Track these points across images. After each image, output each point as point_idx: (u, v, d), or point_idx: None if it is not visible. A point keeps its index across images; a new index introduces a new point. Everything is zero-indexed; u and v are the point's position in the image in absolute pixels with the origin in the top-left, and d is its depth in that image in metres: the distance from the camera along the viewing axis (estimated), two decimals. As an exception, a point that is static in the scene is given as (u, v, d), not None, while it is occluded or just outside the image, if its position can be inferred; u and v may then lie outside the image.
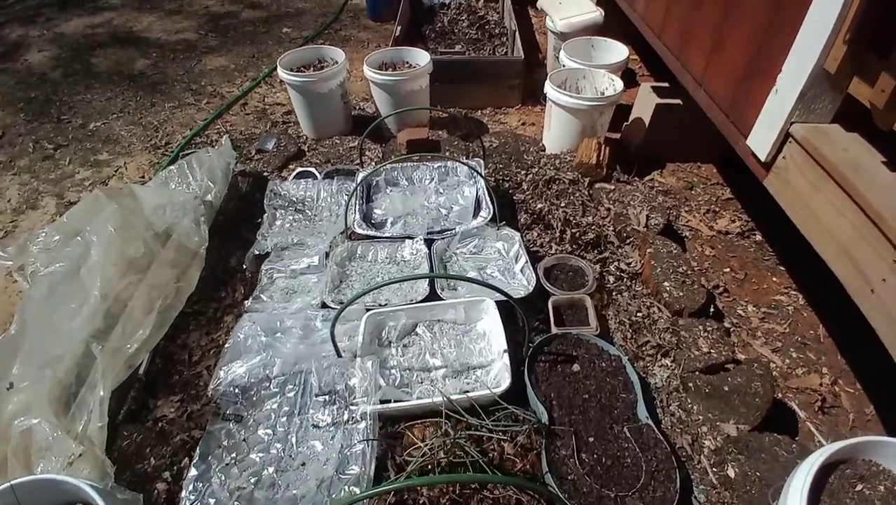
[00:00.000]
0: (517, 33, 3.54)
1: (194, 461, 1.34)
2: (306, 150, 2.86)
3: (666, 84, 2.77)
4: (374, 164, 2.67)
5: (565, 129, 2.68)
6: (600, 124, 2.67)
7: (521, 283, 1.86)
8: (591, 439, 1.40)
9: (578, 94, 2.60)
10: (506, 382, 1.47)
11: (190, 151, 3.00)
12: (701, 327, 1.76)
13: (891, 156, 1.30)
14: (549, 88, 2.62)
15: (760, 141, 1.58)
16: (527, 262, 1.89)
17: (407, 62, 3.11)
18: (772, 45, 1.54)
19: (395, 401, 1.47)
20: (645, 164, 2.78)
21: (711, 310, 1.94)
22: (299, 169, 2.53)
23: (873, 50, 1.21)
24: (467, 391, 1.51)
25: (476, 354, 1.66)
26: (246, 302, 1.87)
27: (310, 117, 3.00)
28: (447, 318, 1.75)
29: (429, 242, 2.00)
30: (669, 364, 1.69)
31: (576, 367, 1.59)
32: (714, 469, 1.41)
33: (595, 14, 3.34)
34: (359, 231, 2.06)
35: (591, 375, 1.56)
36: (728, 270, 2.26)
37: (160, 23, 4.69)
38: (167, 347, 1.76)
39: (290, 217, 2.23)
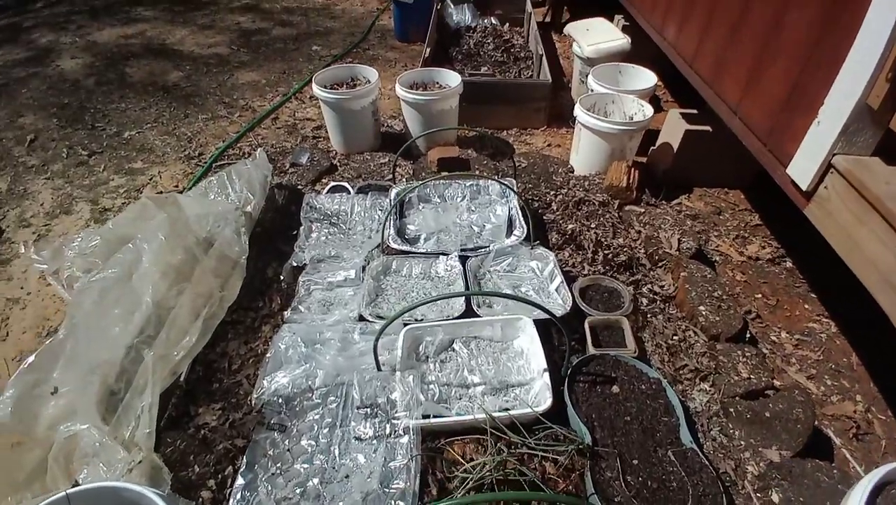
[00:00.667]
0: (543, 57, 3.61)
1: (241, 470, 1.35)
2: (338, 164, 2.91)
3: (694, 111, 2.82)
4: (405, 180, 2.71)
5: (594, 152, 2.72)
6: (629, 148, 2.71)
7: (557, 302, 1.88)
8: (634, 462, 1.39)
9: (608, 118, 2.64)
10: (547, 400, 1.48)
11: (223, 163, 3.09)
12: (739, 353, 1.76)
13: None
14: (578, 112, 2.67)
15: (802, 170, 1.61)
16: (562, 281, 1.90)
17: (437, 82, 3.18)
18: (813, 79, 1.58)
19: (436, 416, 1.48)
20: (672, 189, 2.81)
21: (747, 336, 1.94)
22: (332, 183, 2.58)
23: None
24: (507, 409, 1.52)
25: (514, 371, 1.66)
26: (284, 312, 1.90)
27: (341, 133, 3.06)
28: (484, 335, 1.77)
29: (462, 259, 2.03)
30: (708, 389, 1.69)
31: (615, 388, 1.59)
32: (758, 494, 1.40)
33: (622, 41, 3.42)
34: (393, 246, 2.09)
35: (631, 398, 1.57)
36: (760, 295, 2.26)
37: (193, 37, 4.82)
38: (207, 354, 1.78)
39: (326, 230, 2.27)
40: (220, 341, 1.84)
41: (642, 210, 2.50)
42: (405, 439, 1.41)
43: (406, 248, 2.08)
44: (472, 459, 1.45)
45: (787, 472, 1.41)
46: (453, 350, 1.74)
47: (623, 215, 2.47)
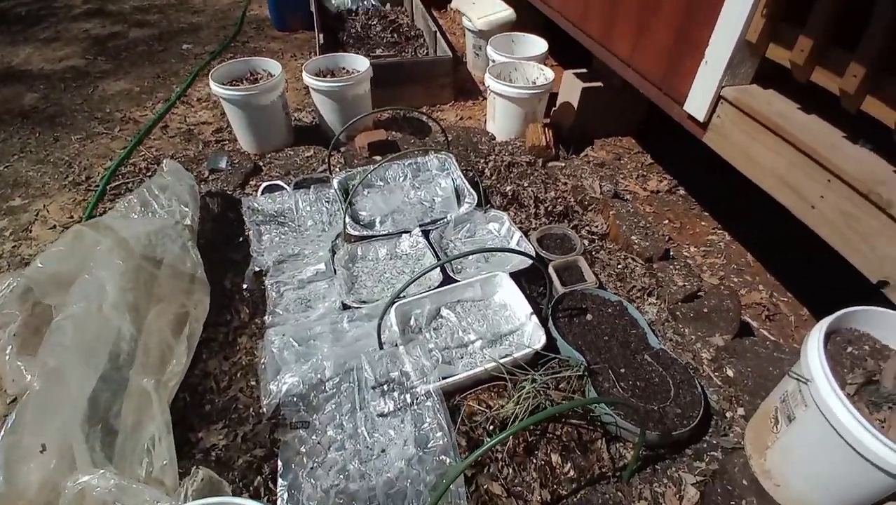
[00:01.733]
0: (437, 34, 3.73)
1: (280, 472, 1.34)
2: (262, 165, 2.78)
3: (584, 70, 3.14)
4: (338, 169, 2.69)
5: (510, 118, 2.92)
6: (539, 110, 2.95)
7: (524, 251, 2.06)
8: (622, 371, 1.63)
9: (516, 84, 2.85)
10: (542, 338, 1.65)
11: (118, 183, 2.78)
12: (671, 267, 2.09)
13: (802, 104, 1.70)
14: (490, 81, 2.85)
15: (697, 105, 1.93)
16: (521, 236, 2.08)
17: (343, 68, 3.15)
18: (696, 25, 1.89)
19: (446, 377, 1.57)
20: (577, 143, 3.13)
21: (671, 254, 2.29)
22: (266, 183, 2.48)
23: (785, 20, 1.58)
24: (506, 355, 1.67)
25: (503, 322, 1.81)
26: (256, 320, 1.84)
27: (252, 132, 2.91)
28: (466, 297, 1.89)
29: (424, 234, 2.11)
30: (655, 301, 1.99)
31: (589, 316, 1.82)
32: (715, 374, 1.72)
33: (508, 12, 3.65)
34: (354, 233, 2.10)
35: (603, 321, 1.80)
36: (667, 221, 2.66)
37: (39, 53, 4.14)
38: (188, 378, 1.67)
39: (276, 230, 2.20)
40: (197, 362, 1.73)
41: (563, 164, 2.78)
42: (429, 403, 1.50)
43: (367, 232, 2.11)
44: (488, 407, 1.58)
45: (732, 351, 1.75)
46: (442, 317, 1.84)
47: (548, 171, 2.72)
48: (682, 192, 2.88)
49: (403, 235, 2.12)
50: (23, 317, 1.82)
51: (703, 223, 2.68)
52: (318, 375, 1.55)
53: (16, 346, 1.74)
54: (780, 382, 1.40)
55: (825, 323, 1.23)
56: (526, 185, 2.55)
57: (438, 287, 1.88)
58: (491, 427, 1.54)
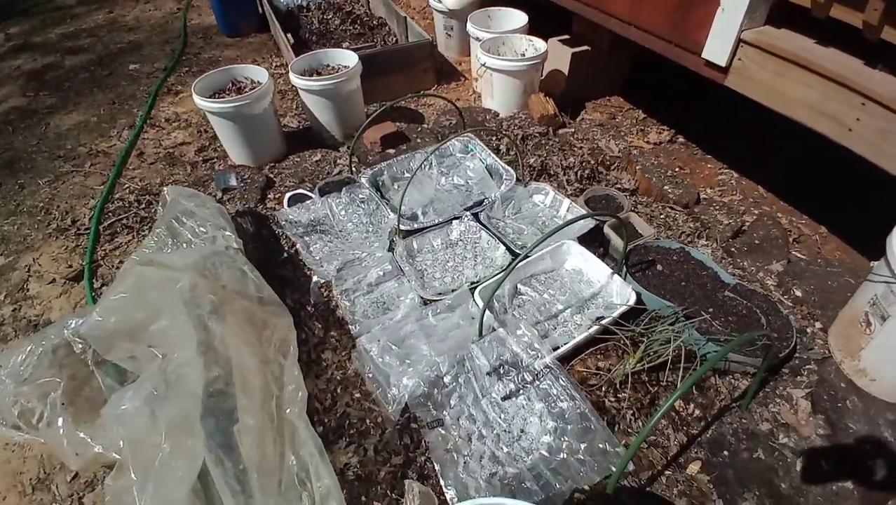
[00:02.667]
0: (407, 19, 3.65)
1: (440, 472, 1.32)
2: (272, 176, 2.64)
3: (566, 36, 3.20)
4: (351, 169, 2.60)
5: (509, 92, 2.94)
6: (536, 81, 2.98)
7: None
8: (710, 310, 1.72)
9: (512, 57, 2.86)
10: (632, 294, 1.71)
11: (113, 221, 2.55)
12: (711, 209, 2.20)
13: (818, 38, 1.82)
14: (485, 58, 2.84)
15: (717, 51, 2.03)
16: (570, 203, 2.12)
17: (328, 65, 3.03)
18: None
19: (556, 348, 1.60)
20: (572, 108, 3.19)
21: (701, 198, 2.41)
22: (290, 194, 2.36)
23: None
24: (600, 317, 1.71)
25: (584, 286, 1.86)
26: (335, 332, 1.78)
27: (246, 145, 2.75)
28: (539, 270, 1.91)
29: (473, 217, 2.10)
30: (706, 242, 2.10)
31: (659, 267, 1.90)
32: (784, 297, 1.85)
33: (477, -12, 3.63)
34: (404, 228, 2.06)
35: (673, 269, 1.88)
36: (678, 169, 2.78)
37: None
38: (289, 404, 1.60)
39: (320, 240, 2.12)
40: (292, 387, 1.65)
41: (572, 130, 2.83)
42: (549, 376, 1.51)
43: (417, 225, 2.07)
44: (598, 370, 1.63)
45: (792, 274, 1.88)
46: (521, 294, 1.85)
47: (560, 138, 2.76)
48: (681, 139, 3.02)
49: (454, 222, 2.10)
50: (64, 382, 1.68)
51: (709, 166, 2.83)
52: (435, 372, 1.53)
53: (69, 416, 1.61)
54: (861, 289, 1.53)
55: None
56: (545, 154, 2.58)
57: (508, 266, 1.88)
58: (607, 388, 1.58)
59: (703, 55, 2.10)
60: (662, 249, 1.96)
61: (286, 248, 2.17)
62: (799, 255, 2.15)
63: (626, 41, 2.58)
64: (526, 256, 1.50)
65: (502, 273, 1.53)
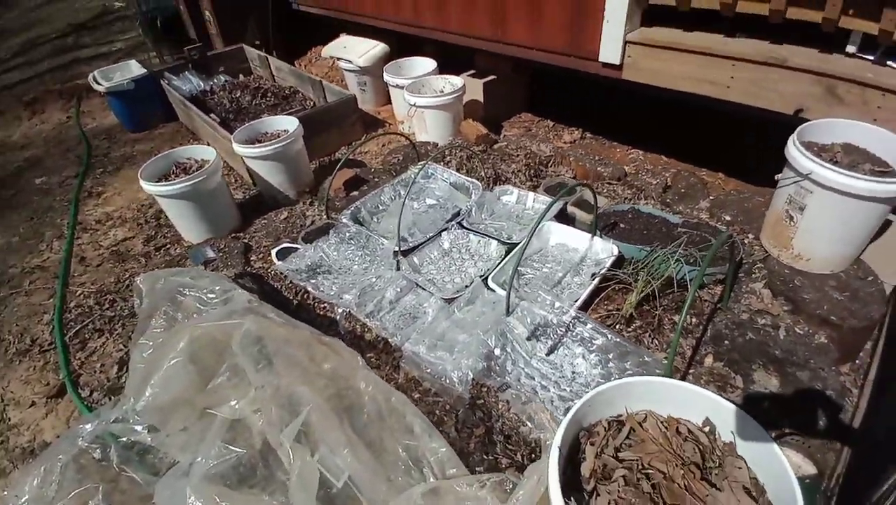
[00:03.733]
0: (323, 82, 3.93)
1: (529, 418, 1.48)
2: (248, 241, 2.68)
3: (472, 71, 3.69)
4: (323, 217, 2.74)
5: (441, 124, 3.30)
6: (461, 110, 3.38)
7: (546, 203, 2.43)
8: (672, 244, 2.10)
9: (438, 94, 3.24)
10: (614, 247, 2.05)
11: (78, 328, 2.41)
12: (640, 175, 2.67)
13: (685, 27, 2.39)
14: (414, 98, 3.18)
15: (611, 54, 2.55)
16: (535, 195, 2.46)
17: (267, 132, 3.17)
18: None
19: (577, 300, 1.86)
20: (493, 129, 3.63)
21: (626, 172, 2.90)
22: (276, 249, 2.43)
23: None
24: (595, 273, 2.02)
25: (573, 253, 2.16)
26: (371, 354, 1.89)
27: (203, 221, 2.77)
28: (530, 252, 2.19)
29: (458, 225, 2.35)
30: (646, 200, 2.55)
31: (621, 225, 2.28)
32: (719, 223, 2.31)
33: (381, 45, 4.04)
34: (403, 248, 2.24)
35: (633, 224, 2.27)
36: (597, 157, 3.30)
37: None
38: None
39: (326, 280, 2.22)
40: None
41: (505, 143, 3.25)
42: (578, 324, 1.77)
43: (413, 243, 2.26)
44: (609, 312, 1.92)
45: (718, 205, 2.37)
46: (523, 275, 2.11)
47: (499, 151, 3.15)
48: (589, 135, 3.57)
49: (443, 234, 2.33)
50: (102, 486, 1.63)
51: (618, 150, 3.39)
52: (485, 349, 1.71)
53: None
54: (775, 196, 2.00)
55: (793, 137, 1.84)
56: (492, 165, 2.94)
57: (506, 256, 2.15)
58: (621, 324, 1.88)
59: (600, 59, 2.61)
60: (618, 213, 2.35)
61: (292, 298, 2.23)
62: (715, 194, 2.68)
63: (525, 65, 3.08)
64: (531, 236, 1.76)
65: (513, 255, 1.78)
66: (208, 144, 3.59)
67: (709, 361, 1.75)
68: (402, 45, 4.15)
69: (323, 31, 4.92)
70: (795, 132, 1.87)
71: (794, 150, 1.82)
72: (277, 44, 4.98)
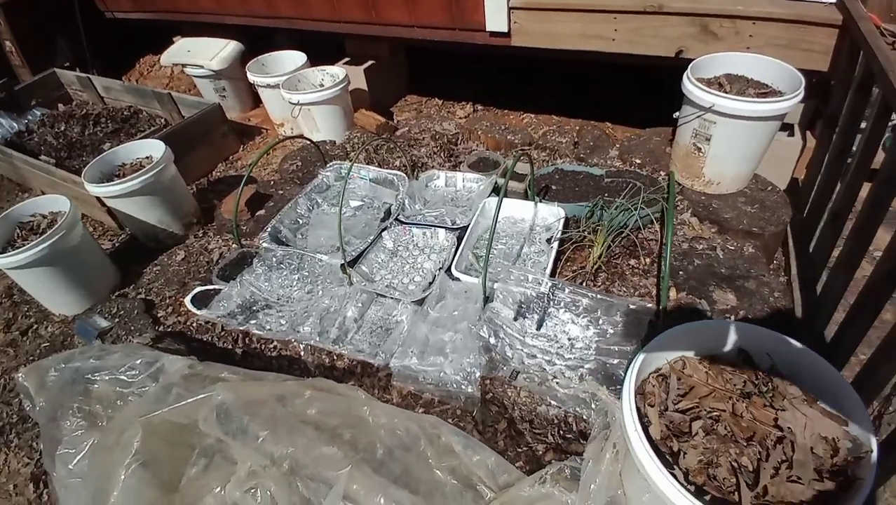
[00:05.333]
0: (172, 94, 3.38)
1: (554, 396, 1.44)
2: (153, 299, 2.20)
3: (347, 59, 3.47)
4: (233, 246, 2.37)
5: (332, 119, 3.04)
6: (349, 101, 3.15)
7: (477, 179, 2.38)
8: (607, 196, 2.20)
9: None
10: (560, 209, 2.08)
11: None
12: (548, 137, 2.75)
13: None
14: (299, 98, 2.88)
15: (497, 23, 2.54)
16: (463, 175, 2.39)
17: (123, 164, 2.63)
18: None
19: (546, 268, 1.86)
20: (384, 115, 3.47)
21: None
22: (189, 297, 2.03)
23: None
24: (550, 238, 2.04)
25: (521, 222, 2.16)
26: (357, 379, 1.70)
27: (75, 284, 2.22)
28: (479, 232, 2.13)
29: (397, 221, 2.20)
30: (561, 158, 2.63)
31: (553, 187, 2.33)
32: (631, 166, 2.48)
33: (234, 43, 3.58)
34: (347, 265, 2.03)
35: (564, 184, 2.33)
36: (504, 126, 3.31)
37: None
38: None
39: (269, 316, 1.92)
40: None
41: (406, 129, 3.10)
42: (556, 292, 1.77)
43: (354, 253, 2.06)
44: (574, 272, 1.96)
45: (625, 151, 2.53)
46: (481, 257, 2.05)
47: (402, 137, 3.00)
48: (480, 108, 3.59)
49: (383, 234, 2.16)
50: None
51: (511, 117, 3.46)
52: (481, 342, 1.62)
53: None
54: (679, 132, 2.19)
55: (688, 75, 2.01)
56: (402, 153, 2.79)
57: (459, 244, 2.06)
58: (589, 280, 1.93)
59: (488, 29, 2.60)
60: (545, 175, 2.40)
61: (231, 347, 1.90)
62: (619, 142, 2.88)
63: (402, 46, 2.94)
64: (497, 214, 1.68)
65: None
66: (44, 193, 2.89)
67: (673, 294, 1.87)
68: (250, 41, 3.71)
69: (150, 39, 4.23)
70: (688, 71, 2.05)
71: (692, 88, 1.99)
72: (96, 61, 4.15)
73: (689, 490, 0.91)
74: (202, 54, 3.48)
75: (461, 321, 1.73)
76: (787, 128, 2.35)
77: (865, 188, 1.66)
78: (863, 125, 1.80)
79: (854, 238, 1.61)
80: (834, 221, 1.85)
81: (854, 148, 1.86)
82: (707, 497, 0.94)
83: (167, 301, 2.16)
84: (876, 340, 1.47)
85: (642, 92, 2.85)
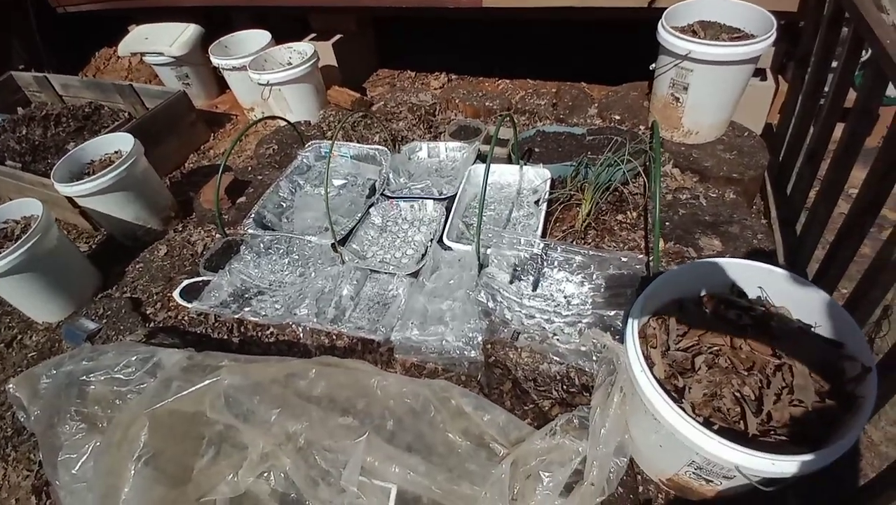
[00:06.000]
0: (133, 84, 3.25)
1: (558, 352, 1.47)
2: (139, 297, 2.15)
3: (314, 34, 3.36)
4: (223, 231, 2.32)
5: (305, 98, 2.96)
6: (321, 79, 3.06)
7: (458, 153, 2.36)
8: (591, 154, 2.20)
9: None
10: (546, 171, 2.08)
11: None
12: (527, 100, 2.73)
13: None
14: (268, 78, 2.79)
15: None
16: (444, 144, 2.37)
17: (92, 161, 2.54)
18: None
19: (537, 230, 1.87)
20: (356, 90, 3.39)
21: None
22: (177, 291, 2.00)
23: None
24: (537, 200, 2.05)
25: (507, 185, 2.16)
26: (369, 354, 1.70)
27: (57, 290, 2.17)
28: (468, 200, 2.13)
29: (384, 196, 2.18)
30: (542, 121, 2.62)
31: (537, 149, 2.32)
32: (611, 123, 2.48)
33: (193, 26, 3.43)
34: (337, 244, 2.00)
35: (547, 146, 2.33)
36: (481, 93, 3.27)
37: None
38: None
39: (264, 302, 1.90)
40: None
41: (382, 103, 3.05)
42: (549, 252, 1.78)
43: (343, 232, 2.04)
44: (564, 231, 1.97)
45: (603, 108, 2.53)
46: (470, 224, 2.05)
47: (379, 112, 2.95)
48: (454, 77, 3.54)
49: (371, 210, 2.13)
50: None
51: (487, 84, 3.42)
52: (480, 307, 1.64)
53: None
54: (656, 83, 2.19)
55: (662, 23, 2.00)
56: (382, 128, 2.75)
57: (448, 213, 2.05)
58: (579, 237, 1.95)
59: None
60: (528, 139, 2.38)
61: (226, 337, 1.87)
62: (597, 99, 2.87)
63: (369, 17, 2.85)
64: (485, 180, 1.67)
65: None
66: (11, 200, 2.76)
67: (662, 244, 1.90)
68: (208, 24, 3.56)
69: (104, 30, 4.03)
70: (662, 19, 2.04)
71: (668, 36, 1.98)
72: (51, 59, 3.94)
73: (697, 421, 0.94)
74: (161, 41, 3.34)
75: (458, 289, 1.74)
76: (759, 73, 2.37)
77: (839, 129, 1.70)
78: (833, 64, 1.83)
79: (830, 176, 1.65)
80: (810, 162, 1.89)
81: (826, 88, 1.89)
82: (714, 427, 0.98)
83: (155, 297, 2.11)
84: (856, 273, 1.53)
85: (616, 50, 2.84)
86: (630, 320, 1.11)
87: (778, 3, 2.08)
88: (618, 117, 2.48)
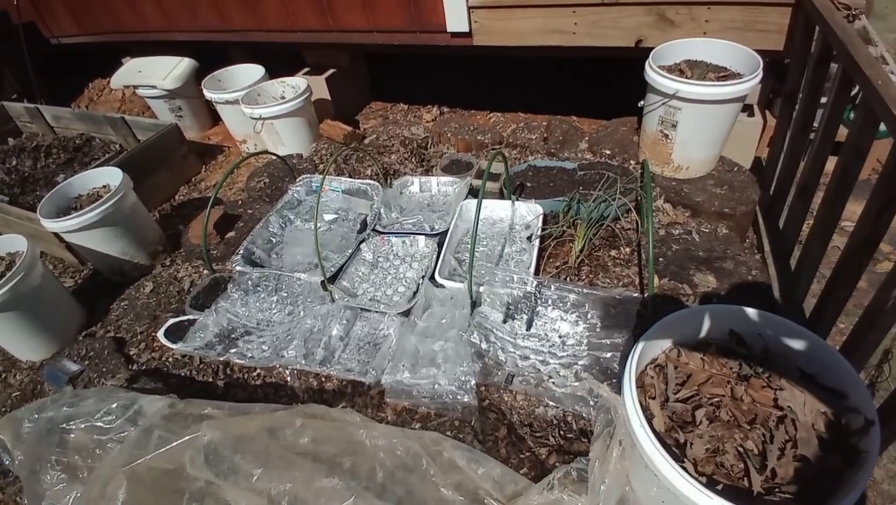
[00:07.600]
0: (125, 117, 3.25)
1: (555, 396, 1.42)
2: (123, 337, 2.09)
3: (307, 68, 3.40)
4: (203, 272, 2.28)
5: (297, 131, 2.97)
6: (314, 112, 3.08)
7: (452, 183, 2.35)
8: (582, 189, 2.21)
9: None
10: (538, 206, 2.07)
11: None
12: (518, 134, 2.75)
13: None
14: (261, 112, 2.80)
15: (458, 23, 2.52)
16: (437, 179, 2.36)
17: (80, 195, 2.51)
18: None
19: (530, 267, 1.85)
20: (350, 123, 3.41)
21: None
22: (161, 331, 1.94)
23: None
24: (530, 235, 2.03)
25: (499, 221, 2.14)
26: (352, 399, 1.65)
27: (40, 328, 2.12)
28: (460, 235, 2.11)
29: (374, 232, 2.16)
30: (533, 155, 2.63)
31: (528, 184, 2.32)
32: (602, 158, 2.49)
33: (187, 60, 3.45)
34: (327, 282, 1.97)
35: (538, 180, 2.33)
36: (472, 127, 3.29)
37: None
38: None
39: (250, 343, 1.85)
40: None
41: (374, 136, 3.06)
42: (543, 290, 1.76)
43: (333, 269, 2.00)
44: (557, 267, 1.95)
45: (594, 143, 2.55)
46: (462, 261, 2.03)
47: (372, 145, 2.96)
48: (447, 110, 3.57)
49: (361, 246, 2.11)
50: None
51: (478, 117, 3.45)
52: (473, 349, 1.60)
53: None
54: (645, 120, 2.21)
55: (649, 64, 2.03)
56: (373, 161, 2.75)
57: (440, 249, 2.03)
58: (573, 274, 1.92)
59: (449, 30, 2.57)
60: (519, 173, 2.39)
61: (211, 379, 1.81)
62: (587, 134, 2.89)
63: (362, 53, 2.88)
64: (477, 216, 1.65)
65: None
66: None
67: (656, 280, 1.88)
68: (203, 58, 3.59)
69: (98, 62, 4.06)
70: (649, 59, 2.07)
71: (655, 76, 2.01)
72: (43, 90, 3.94)
73: (700, 482, 0.90)
74: (154, 74, 3.35)
75: (450, 329, 1.70)
76: (746, 108, 2.40)
77: (830, 162, 1.70)
78: (823, 100, 1.85)
79: (823, 213, 1.65)
80: (801, 197, 1.90)
81: (816, 123, 1.92)
82: (718, 486, 0.94)
83: (139, 337, 2.05)
84: (853, 307, 1.51)
85: (605, 85, 2.89)
86: (627, 370, 1.08)
87: (763, 42, 2.13)
88: (608, 152, 2.49)
